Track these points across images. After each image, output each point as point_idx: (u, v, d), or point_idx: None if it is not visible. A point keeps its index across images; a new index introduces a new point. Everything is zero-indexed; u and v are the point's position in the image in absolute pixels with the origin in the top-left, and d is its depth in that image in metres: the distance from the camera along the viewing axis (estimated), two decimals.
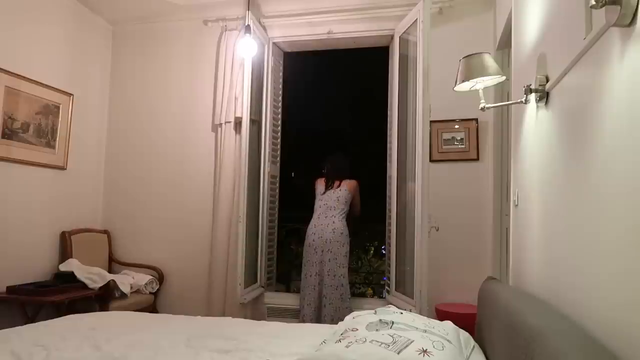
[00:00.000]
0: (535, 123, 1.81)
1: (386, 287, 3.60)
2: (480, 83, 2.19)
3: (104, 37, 4.12)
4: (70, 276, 3.29)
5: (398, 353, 1.36)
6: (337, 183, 3.63)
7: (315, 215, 3.56)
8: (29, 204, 3.34)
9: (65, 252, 3.55)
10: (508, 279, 2.43)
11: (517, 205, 2.16)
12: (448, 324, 1.80)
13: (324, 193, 3.62)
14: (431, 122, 3.25)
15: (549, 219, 1.56)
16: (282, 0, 3.74)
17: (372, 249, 6.81)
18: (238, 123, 3.70)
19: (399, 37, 3.45)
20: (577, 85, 1.30)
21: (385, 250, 3.81)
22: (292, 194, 5.55)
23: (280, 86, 4.06)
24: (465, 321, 2.28)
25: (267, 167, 3.80)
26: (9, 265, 3.16)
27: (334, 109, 7.07)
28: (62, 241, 3.58)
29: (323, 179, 3.72)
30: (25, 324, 2.56)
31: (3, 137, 3.13)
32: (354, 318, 1.80)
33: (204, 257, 3.80)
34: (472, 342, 1.81)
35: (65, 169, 3.67)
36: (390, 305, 1.98)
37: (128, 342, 1.89)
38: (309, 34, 3.80)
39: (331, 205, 3.54)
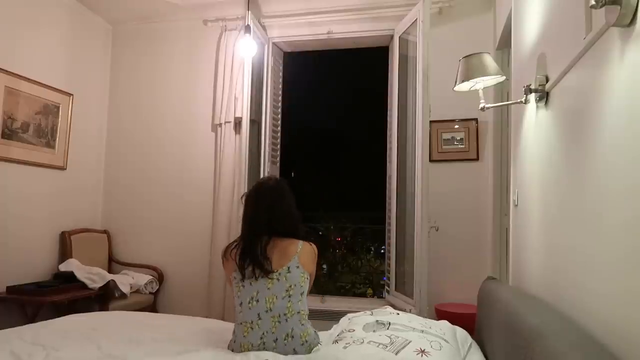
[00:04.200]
0: (535, 123, 1.81)
1: (386, 287, 3.60)
2: (480, 83, 2.19)
3: (103, 37, 4.12)
4: (70, 276, 3.29)
5: (396, 354, 1.36)
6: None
7: None
8: (28, 204, 3.34)
9: (65, 252, 3.55)
10: (508, 279, 2.43)
11: (517, 205, 2.16)
12: (444, 323, 1.79)
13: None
14: (431, 122, 3.25)
15: (549, 219, 1.56)
16: (282, 0, 3.74)
17: (372, 249, 6.81)
18: (238, 123, 3.70)
19: (399, 37, 3.45)
20: (577, 85, 1.30)
21: (385, 250, 3.81)
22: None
23: (280, 86, 4.05)
24: (465, 321, 2.28)
25: (267, 167, 3.80)
26: (9, 265, 3.15)
27: (334, 109, 7.06)
28: (61, 241, 3.58)
29: None
30: (25, 324, 2.55)
31: (3, 137, 3.13)
32: (349, 319, 1.80)
33: (204, 257, 3.79)
34: (469, 339, 1.81)
35: (65, 169, 3.67)
36: (386, 307, 1.98)
37: (128, 342, 1.88)
38: (309, 34, 3.80)
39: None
